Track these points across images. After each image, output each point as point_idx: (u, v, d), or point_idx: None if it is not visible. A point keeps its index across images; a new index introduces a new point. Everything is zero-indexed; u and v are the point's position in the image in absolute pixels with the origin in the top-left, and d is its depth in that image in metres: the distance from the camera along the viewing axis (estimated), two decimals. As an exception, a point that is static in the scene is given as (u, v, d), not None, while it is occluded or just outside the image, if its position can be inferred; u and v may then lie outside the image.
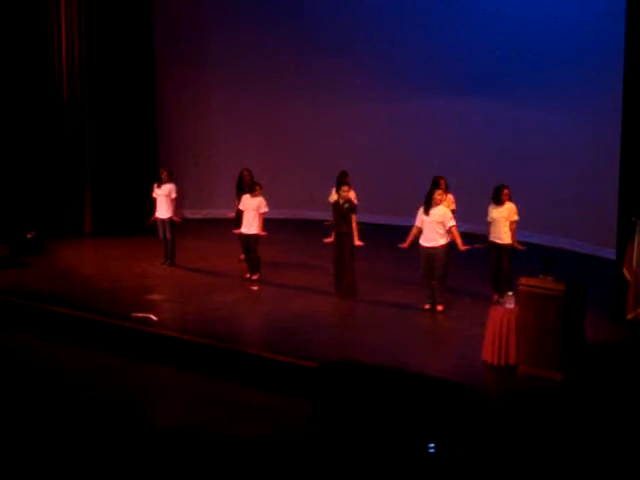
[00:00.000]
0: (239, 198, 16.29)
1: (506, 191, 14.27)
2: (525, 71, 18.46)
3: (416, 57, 20.01)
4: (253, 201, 15.79)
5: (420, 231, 14.07)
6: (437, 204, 13.97)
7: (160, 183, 16.94)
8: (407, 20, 20.06)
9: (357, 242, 14.83)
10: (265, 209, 15.78)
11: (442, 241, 13.94)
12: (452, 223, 13.93)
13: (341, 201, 14.96)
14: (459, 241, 13.98)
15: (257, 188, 15.88)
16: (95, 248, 18.96)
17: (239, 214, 16.14)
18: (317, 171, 20.04)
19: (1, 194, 18.63)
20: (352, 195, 15.25)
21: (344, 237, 14.85)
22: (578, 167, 17.74)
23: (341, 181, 15.65)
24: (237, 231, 16.14)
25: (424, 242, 14.03)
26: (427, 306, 14.18)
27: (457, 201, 15.32)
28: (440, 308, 14.09)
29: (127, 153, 20.02)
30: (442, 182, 14.79)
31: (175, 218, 16.95)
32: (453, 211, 14.51)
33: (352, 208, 14.90)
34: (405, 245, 14.26)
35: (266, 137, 21.43)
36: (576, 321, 11.54)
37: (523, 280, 11.72)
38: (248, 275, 16.02)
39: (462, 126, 19.64)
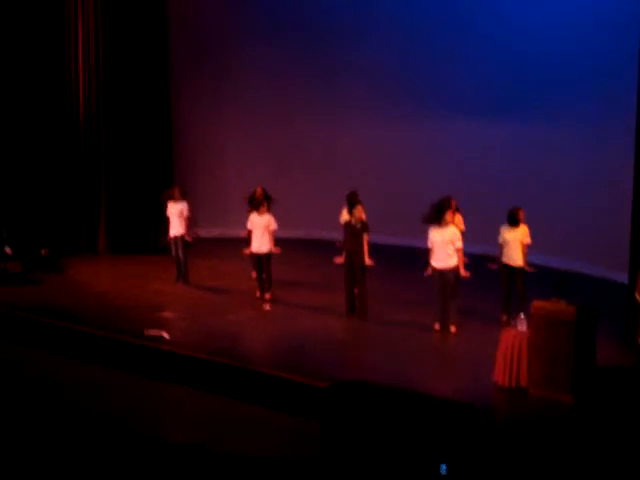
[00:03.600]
0: (250, 216, 16.30)
1: (521, 213, 14.31)
2: (539, 92, 18.48)
3: (430, 81, 20.08)
4: (261, 219, 15.82)
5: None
6: (447, 224, 14.01)
7: (173, 201, 16.98)
8: (420, 45, 20.12)
9: (368, 261, 14.88)
10: (274, 226, 15.78)
11: (452, 261, 13.98)
12: (459, 245, 13.97)
13: (354, 221, 15.01)
14: (461, 265, 14.01)
15: (263, 205, 15.89)
16: (108, 266, 19.02)
17: (249, 233, 16.12)
18: (329, 190, 20.08)
19: (16, 211, 18.72)
20: (363, 215, 15.30)
21: (356, 256, 14.89)
22: (591, 190, 17.73)
23: (352, 201, 15.68)
24: (247, 251, 16.14)
25: (435, 263, 14.07)
26: (437, 326, 14.19)
27: (468, 223, 15.34)
28: (453, 329, 14.10)
29: (142, 171, 20.10)
30: (453, 203, 14.81)
31: (187, 237, 16.99)
32: (462, 232, 14.52)
33: (364, 228, 14.94)
34: (430, 273, 14.26)
35: (279, 156, 21.50)
36: (587, 344, 11.53)
37: (535, 303, 11.72)
38: (259, 294, 16.04)
39: (474, 148, 19.67)
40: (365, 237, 14.90)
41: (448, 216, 14.06)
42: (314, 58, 21.18)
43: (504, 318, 14.11)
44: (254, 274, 16.47)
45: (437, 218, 14.06)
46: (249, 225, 16.01)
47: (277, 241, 15.98)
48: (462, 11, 19.52)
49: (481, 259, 14.81)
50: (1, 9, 19.04)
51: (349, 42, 20.82)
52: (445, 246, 13.95)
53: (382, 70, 20.61)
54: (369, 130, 20.92)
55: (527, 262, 14.35)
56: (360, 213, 15.05)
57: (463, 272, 14.03)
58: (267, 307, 15.70)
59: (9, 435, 10.34)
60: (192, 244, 17.29)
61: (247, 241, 16.20)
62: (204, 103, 21.58)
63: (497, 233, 14.49)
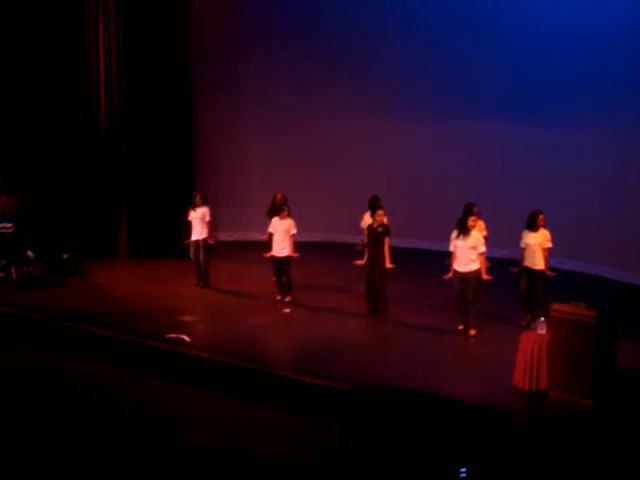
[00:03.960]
0: (271, 221, 16.40)
1: (541, 217, 14.32)
2: (561, 96, 18.45)
3: (450, 82, 20.10)
4: (282, 223, 15.89)
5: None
6: (470, 230, 14.05)
7: (195, 206, 17.11)
8: (437, 47, 20.15)
9: (388, 265, 14.94)
10: (294, 230, 15.86)
11: (475, 266, 14.01)
12: (482, 249, 14.01)
13: (375, 225, 15.07)
14: (484, 269, 14.04)
15: (285, 210, 15.97)
16: (130, 269, 19.10)
17: (270, 237, 16.22)
18: (349, 194, 20.13)
19: (38, 215, 18.84)
20: (385, 219, 15.35)
21: (376, 260, 14.95)
22: (616, 194, 17.69)
23: (374, 205, 15.75)
24: (268, 254, 16.21)
25: (458, 267, 14.11)
26: (460, 327, 14.23)
27: (489, 228, 15.34)
28: (472, 332, 14.13)
29: (162, 176, 20.21)
30: (474, 209, 14.85)
31: (210, 240, 17.11)
32: (485, 237, 14.54)
33: (386, 231, 14.99)
34: (449, 276, 14.29)
35: (300, 161, 21.57)
36: (608, 348, 11.49)
37: (555, 306, 11.70)
38: (279, 297, 16.10)
39: (495, 151, 19.68)
40: (386, 241, 14.96)
41: (471, 221, 14.10)
42: (335, 63, 21.26)
43: (524, 322, 14.12)
44: (274, 278, 16.52)
45: (461, 224, 14.13)
46: (270, 229, 16.09)
47: (297, 245, 16.03)
48: (481, 12, 19.52)
49: (503, 263, 14.79)
50: (23, 13, 19.16)
51: (369, 46, 20.92)
52: (468, 251, 13.99)
53: (402, 74, 20.66)
54: (390, 134, 20.95)
55: (548, 266, 14.34)
56: (381, 217, 15.11)
57: (485, 275, 14.05)
58: (287, 310, 15.74)
59: (31, 435, 10.44)
60: (214, 246, 17.35)
61: (268, 245, 16.28)
62: (225, 107, 21.67)
63: (519, 237, 14.50)
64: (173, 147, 20.35)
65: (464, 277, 14.05)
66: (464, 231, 14.06)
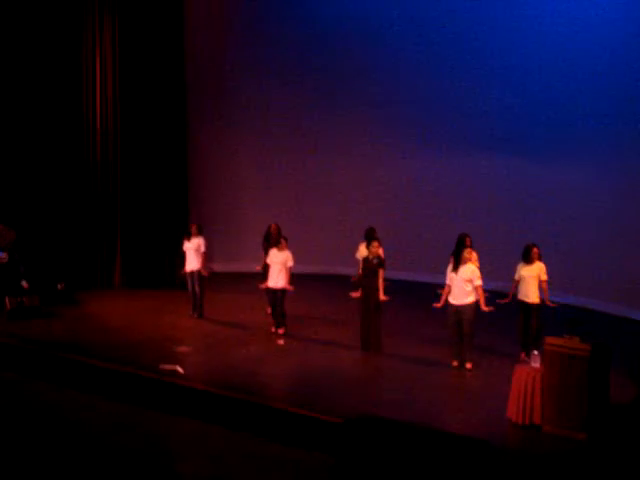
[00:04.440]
0: (266, 252, 16.43)
1: (535, 250, 14.35)
2: (555, 130, 18.60)
3: (446, 116, 20.20)
4: (280, 255, 15.92)
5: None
6: (466, 262, 14.08)
7: (190, 237, 17.16)
8: (437, 80, 20.28)
9: (382, 297, 14.93)
10: (291, 263, 15.89)
11: (470, 299, 14.03)
12: (479, 282, 14.03)
13: (370, 256, 15.09)
14: (482, 301, 14.05)
15: (283, 242, 16.01)
16: (124, 300, 19.08)
17: (266, 268, 16.27)
18: (343, 226, 20.20)
19: (33, 245, 18.84)
20: (380, 251, 15.38)
21: (371, 292, 14.96)
22: (608, 228, 17.78)
23: (370, 237, 15.80)
24: (263, 285, 16.25)
25: (453, 300, 14.13)
26: (455, 363, 14.22)
27: (482, 259, 15.37)
28: (468, 366, 14.13)
29: (157, 206, 20.23)
30: (468, 240, 14.91)
31: (203, 272, 17.12)
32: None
33: (381, 263, 15.03)
34: (440, 305, 14.31)
35: (294, 191, 21.65)
36: (601, 381, 11.51)
37: (549, 339, 11.71)
38: (274, 329, 16.10)
39: (489, 184, 19.78)
40: (381, 273, 14.98)
41: (466, 253, 14.14)
42: (332, 94, 21.38)
43: (521, 355, 14.12)
44: (269, 309, 16.55)
45: (455, 256, 14.17)
46: (268, 260, 16.13)
47: (292, 276, 16.04)
48: (491, 48, 19.65)
49: (493, 295, 14.81)
50: (20, 38, 19.23)
51: (362, 78, 21.01)
52: (463, 283, 14.02)
53: (398, 106, 20.76)
54: (385, 167, 21.04)
55: (548, 298, 14.35)
56: (376, 249, 15.15)
57: (485, 307, 14.04)
58: (281, 342, 15.73)
59: (25, 467, 10.41)
60: (208, 278, 17.37)
61: (263, 275, 16.31)
62: (220, 137, 21.76)
63: (513, 270, 14.53)
64: (168, 177, 20.38)
65: (459, 310, 14.07)
66: (459, 263, 14.10)
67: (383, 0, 20.70)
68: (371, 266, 15.04)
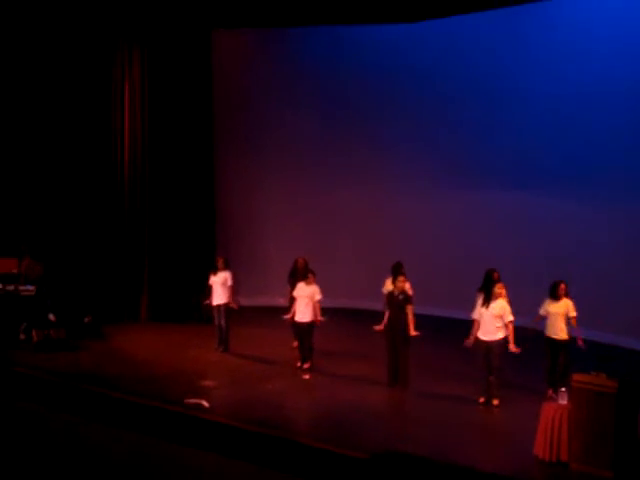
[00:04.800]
0: (292, 286, 16.44)
1: (563, 286, 14.31)
2: (579, 165, 18.53)
3: (473, 150, 20.22)
4: (307, 289, 15.92)
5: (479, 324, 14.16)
6: (497, 298, 14.03)
7: (216, 271, 17.20)
8: (458, 112, 20.34)
9: (412, 332, 14.87)
10: (319, 297, 15.88)
11: (500, 334, 13.96)
12: (510, 318, 13.96)
13: (396, 292, 15.05)
14: (512, 339, 13.95)
15: (310, 276, 16.02)
16: (150, 334, 19.12)
17: (292, 301, 16.27)
18: (370, 260, 20.19)
19: (61, 278, 18.92)
20: (407, 286, 15.33)
21: (397, 326, 14.89)
22: (633, 262, 17.68)
23: (396, 272, 15.78)
24: (288, 316, 16.22)
25: (482, 335, 14.07)
26: (482, 399, 14.13)
27: (509, 295, 15.29)
28: (496, 402, 14.04)
29: (184, 241, 20.29)
30: (496, 275, 14.85)
31: (232, 305, 17.17)
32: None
33: (407, 299, 14.97)
34: (470, 343, 14.26)
35: (320, 227, 21.66)
36: (629, 419, 11.41)
37: (576, 377, 11.65)
38: (299, 364, 16.07)
39: (516, 220, 19.72)
40: (410, 308, 14.89)
41: (497, 289, 14.10)
42: (357, 128, 21.48)
43: (549, 392, 14.02)
44: (295, 343, 16.52)
45: (486, 292, 14.12)
46: (295, 293, 16.13)
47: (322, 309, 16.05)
48: (508, 87, 19.71)
49: (521, 331, 14.72)
50: (50, 72, 19.46)
51: (392, 111, 21.09)
52: (493, 319, 13.96)
53: (426, 142, 20.79)
54: (412, 200, 21.06)
55: (580, 335, 14.24)
56: (402, 283, 15.09)
57: (513, 347, 13.95)
58: (307, 377, 15.70)
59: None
60: (234, 312, 17.37)
61: (289, 308, 16.30)
62: (247, 172, 21.87)
63: (538, 306, 14.48)
64: (195, 211, 20.47)
65: (489, 346, 14.00)
66: (489, 299, 14.04)
67: (419, 45, 20.78)
68: (396, 301, 14.99)
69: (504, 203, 19.89)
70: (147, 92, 20.17)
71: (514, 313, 14.07)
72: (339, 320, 19.33)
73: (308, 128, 21.71)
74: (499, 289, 14.14)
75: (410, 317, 14.88)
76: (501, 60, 19.80)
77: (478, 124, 20.13)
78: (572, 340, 14.28)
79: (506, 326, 13.98)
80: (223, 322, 17.21)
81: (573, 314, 14.25)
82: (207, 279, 17.42)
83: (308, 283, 15.95)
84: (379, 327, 15.24)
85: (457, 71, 20.36)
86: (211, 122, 20.79)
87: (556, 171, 18.94)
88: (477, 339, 14.15)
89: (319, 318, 15.92)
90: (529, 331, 14.42)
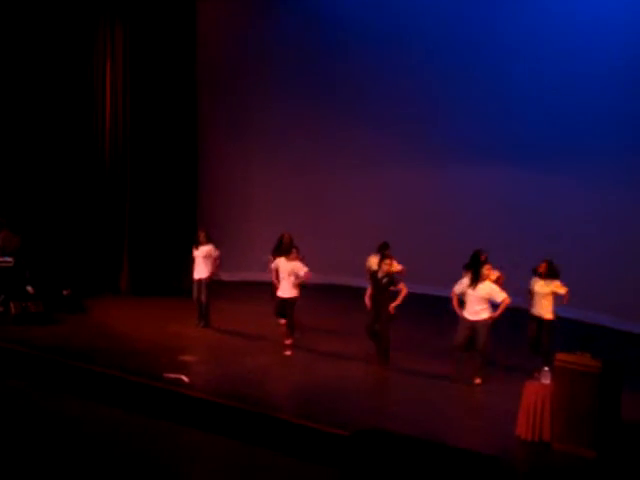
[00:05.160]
0: (274, 260, 16.27)
1: (549, 265, 14.24)
2: (562, 142, 18.50)
3: (461, 130, 20.11)
4: (288, 265, 15.76)
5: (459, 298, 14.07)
6: (484, 279, 13.93)
7: (198, 245, 17.04)
8: (441, 89, 20.21)
9: (390, 309, 14.72)
10: (302, 272, 15.71)
11: (485, 315, 13.91)
12: (502, 297, 13.82)
13: (380, 274, 14.87)
14: (499, 313, 13.87)
15: (294, 251, 15.86)
16: (130, 307, 18.99)
17: (277, 277, 16.05)
18: (354, 236, 20.08)
19: (39, 251, 18.76)
20: (395, 265, 15.18)
21: (381, 306, 14.77)
22: (619, 242, 17.65)
23: (382, 252, 15.62)
24: (276, 293, 16.02)
25: (468, 315, 13.99)
26: (455, 374, 14.05)
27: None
28: (478, 381, 13.99)
29: (166, 214, 20.15)
30: (483, 256, 14.73)
31: (214, 276, 16.96)
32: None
33: (391, 282, 14.80)
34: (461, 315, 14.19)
35: (304, 202, 21.54)
36: (612, 399, 11.36)
37: (560, 356, 11.59)
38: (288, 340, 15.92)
39: (498, 196, 19.68)
40: (404, 291, 14.68)
41: (485, 270, 14.01)
42: (347, 107, 21.31)
43: (532, 371, 13.95)
44: (281, 320, 16.34)
45: (474, 273, 14.02)
46: (273, 265, 16.01)
47: (304, 286, 15.90)
48: (492, 62, 19.56)
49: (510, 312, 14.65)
50: (32, 48, 19.24)
51: (378, 85, 21.00)
52: (479, 300, 13.89)
53: (413, 117, 20.67)
54: (396, 178, 20.94)
55: (568, 295, 14.17)
56: (388, 266, 14.89)
57: (495, 315, 13.89)
58: (288, 353, 15.59)
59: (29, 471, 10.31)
60: (215, 286, 17.20)
61: (274, 285, 16.11)
62: (232, 146, 21.72)
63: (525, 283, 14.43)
64: (177, 184, 20.33)
65: (473, 325, 13.92)
66: (477, 280, 13.94)
67: (402, 14, 20.57)
68: (380, 284, 14.82)
69: (492, 180, 19.80)
70: (129, 67, 19.98)
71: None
72: (323, 296, 19.27)
73: (295, 103, 21.54)
74: (487, 270, 14.04)
75: (400, 297, 14.69)
76: (486, 33, 19.62)
77: (467, 100, 19.96)
78: (557, 319, 14.21)
79: (498, 306, 13.85)
80: (203, 297, 17.05)
81: (562, 291, 14.15)
82: (189, 252, 17.26)
83: (290, 259, 15.79)
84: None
85: (444, 45, 20.16)
86: (195, 96, 20.61)
87: (545, 148, 18.85)
88: (462, 318, 14.05)
89: (306, 275, 15.65)
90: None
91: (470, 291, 13.98)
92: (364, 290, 15.26)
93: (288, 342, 15.89)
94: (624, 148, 17.53)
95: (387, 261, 14.95)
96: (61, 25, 19.51)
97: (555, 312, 14.25)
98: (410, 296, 14.81)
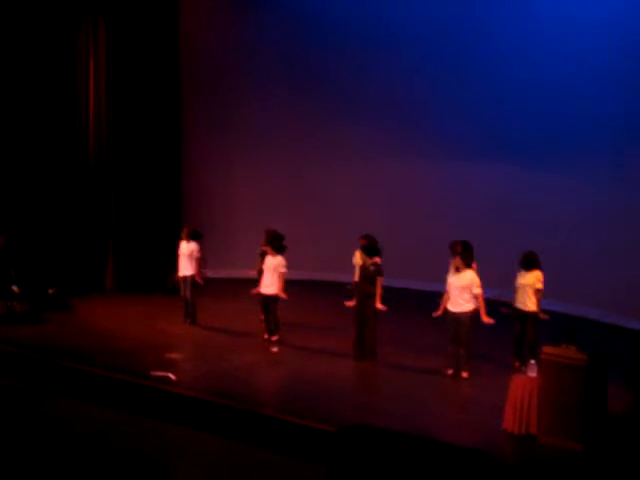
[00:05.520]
0: (261, 257, 16.24)
1: (533, 257, 14.24)
2: (554, 138, 18.51)
3: (446, 123, 20.08)
4: (272, 260, 15.75)
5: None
6: (465, 270, 13.92)
7: (181, 240, 17.00)
8: (436, 86, 20.16)
9: (379, 305, 14.77)
10: (283, 269, 15.66)
11: (468, 306, 13.89)
12: (478, 291, 13.86)
13: (367, 264, 14.91)
14: (483, 311, 13.90)
15: (275, 246, 15.83)
16: (116, 305, 18.92)
17: (260, 273, 16.09)
18: (339, 232, 20.06)
19: (24, 250, 18.68)
20: (377, 259, 15.22)
21: (367, 300, 14.79)
22: (605, 236, 17.68)
23: (372, 248, 15.60)
24: (255, 291, 16.07)
25: (451, 307, 14.00)
26: (450, 372, 14.07)
27: (483, 267, 15.19)
28: (465, 375, 13.99)
29: (150, 211, 20.08)
30: (458, 247, 14.65)
31: (197, 279, 16.95)
32: None
33: (378, 271, 14.84)
34: (439, 313, 14.17)
35: (288, 198, 21.49)
36: (598, 392, 11.38)
37: (546, 349, 11.60)
38: (267, 336, 15.92)
39: (487, 191, 19.68)
40: (379, 281, 14.79)
41: (455, 261, 14.01)
42: (331, 99, 21.25)
43: (516, 364, 13.99)
44: (262, 316, 16.36)
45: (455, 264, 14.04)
46: (262, 265, 15.96)
47: (288, 283, 15.88)
48: (492, 55, 19.55)
49: (495, 304, 14.66)
50: (15, 42, 19.12)
51: (366, 84, 20.93)
52: (462, 291, 13.87)
53: (397, 113, 20.63)
54: (384, 173, 20.91)
55: (540, 308, 14.20)
56: (376, 258, 14.97)
57: (485, 318, 13.88)
58: (275, 349, 15.58)
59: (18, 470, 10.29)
60: (201, 285, 17.19)
61: (257, 281, 16.13)
62: (216, 142, 21.64)
63: (512, 277, 14.43)
64: (162, 182, 20.24)
65: (456, 318, 13.92)
66: (458, 271, 13.94)
67: (390, 7, 20.52)
68: (368, 273, 14.87)
69: (485, 176, 19.77)
70: (112, 65, 19.87)
71: (485, 285, 13.98)
72: (308, 292, 19.25)
73: (279, 98, 21.47)
74: (456, 262, 14.01)
75: (378, 289, 14.76)
76: (479, 30, 19.60)
77: (461, 97, 19.93)
78: (543, 313, 14.22)
79: (475, 298, 13.88)
80: (189, 294, 17.03)
81: (538, 286, 14.17)
82: (174, 250, 17.23)
83: (273, 255, 15.76)
84: (351, 302, 15.12)
85: (437, 41, 20.09)
86: (178, 94, 20.54)
87: (537, 144, 18.85)
88: (447, 310, 14.06)
89: (282, 294, 15.69)
90: (501, 304, 14.38)
91: (452, 282, 13.97)
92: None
93: (274, 339, 15.87)
94: (617, 145, 17.54)
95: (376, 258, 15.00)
96: (43, 22, 19.34)
97: (540, 306, 14.24)
98: (395, 291, 14.82)
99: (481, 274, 14.26)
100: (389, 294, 15.19)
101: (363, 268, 15.03)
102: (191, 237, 16.99)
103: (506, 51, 19.24)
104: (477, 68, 19.68)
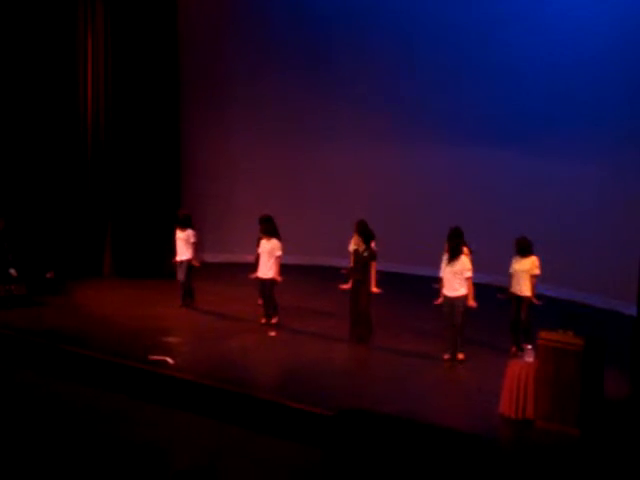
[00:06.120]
0: (258, 242, 16.27)
1: (528, 243, 14.25)
2: (548, 122, 18.46)
3: (437, 108, 20.03)
4: (268, 244, 15.76)
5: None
6: (459, 255, 13.96)
7: (181, 226, 17.00)
8: (434, 71, 20.11)
9: (374, 289, 14.82)
10: (279, 253, 15.70)
11: (462, 291, 13.96)
12: (468, 274, 13.93)
13: (361, 249, 14.94)
14: (471, 295, 13.96)
15: (270, 230, 15.84)
16: (114, 289, 18.91)
17: (257, 258, 16.12)
18: (335, 218, 20.05)
19: (22, 233, 18.66)
20: (372, 244, 15.24)
21: (361, 284, 14.84)
22: (601, 221, 17.67)
23: (367, 234, 15.61)
24: (253, 275, 16.11)
25: (446, 291, 14.05)
26: (447, 356, 14.11)
27: (479, 252, 15.21)
28: (461, 357, 14.05)
29: (149, 195, 20.02)
30: (449, 234, 14.61)
31: (194, 262, 16.97)
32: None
33: (372, 256, 14.88)
34: (439, 301, 14.21)
35: (286, 182, 21.43)
36: (595, 376, 11.42)
37: (543, 334, 11.63)
38: (264, 320, 15.95)
39: (482, 177, 19.64)
40: (373, 265, 14.85)
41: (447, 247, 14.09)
42: (329, 84, 21.14)
43: (512, 349, 14.02)
44: (260, 301, 16.39)
45: (449, 249, 14.05)
46: (259, 249, 15.98)
47: (283, 267, 15.90)
48: (495, 42, 19.50)
49: (491, 289, 14.68)
50: (12, 25, 19.06)
51: (364, 70, 20.81)
52: (455, 276, 13.92)
53: (390, 99, 20.59)
54: (380, 158, 20.86)
55: (535, 294, 14.22)
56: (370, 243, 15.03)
57: (471, 302, 13.96)
58: (272, 333, 15.60)
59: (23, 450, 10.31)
60: (198, 269, 17.21)
61: (255, 265, 16.15)
62: (214, 127, 21.53)
63: (507, 263, 14.43)
64: (160, 167, 20.15)
65: (452, 302, 13.96)
66: (452, 256, 13.98)
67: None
68: (362, 259, 14.90)
69: (474, 160, 19.74)
70: (110, 43, 19.73)
71: (481, 269, 14.01)
72: (305, 277, 19.25)
73: (279, 79, 21.39)
74: (447, 247, 14.09)
75: (372, 274, 14.81)
76: (472, 11, 19.58)
77: (454, 83, 19.88)
78: (537, 297, 14.23)
79: (466, 281, 13.93)
80: (185, 278, 17.03)
81: (536, 272, 14.18)
82: (172, 234, 17.22)
83: (268, 239, 15.78)
84: (346, 286, 15.15)
85: (429, 27, 20.05)
86: (177, 72, 20.43)
87: (527, 129, 18.81)
88: (443, 295, 14.09)
89: (277, 277, 15.73)
90: (498, 289, 14.42)
91: (447, 267, 14.03)
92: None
93: (273, 322, 15.90)
94: (607, 131, 17.53)
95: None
96: (41, 10, 19.27)
97: (535, 291, 14.25)
98: (391, 276, 14.82)
99: (484, 260, 14.28)
100: (382, 278, 15.20)
101: (356, 253, 15.03)
102: (182, 224, 16.97)
103: (495, 34, 19.18)
104: (469, 54, 19.60)
